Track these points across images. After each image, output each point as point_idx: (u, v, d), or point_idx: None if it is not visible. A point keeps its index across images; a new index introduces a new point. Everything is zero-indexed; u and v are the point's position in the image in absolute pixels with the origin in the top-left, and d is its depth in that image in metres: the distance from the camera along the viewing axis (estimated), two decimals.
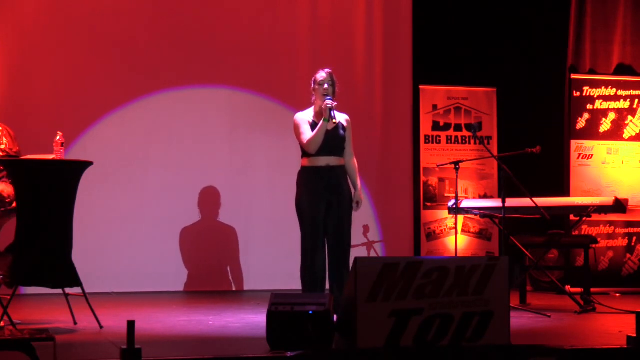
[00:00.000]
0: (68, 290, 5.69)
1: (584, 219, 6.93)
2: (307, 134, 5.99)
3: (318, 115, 6.05)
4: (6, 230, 5.93)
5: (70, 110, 7.89)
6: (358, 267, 4.55)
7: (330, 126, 5.94)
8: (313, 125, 6.02)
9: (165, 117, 8.19)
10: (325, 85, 6.02)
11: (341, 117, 6.08)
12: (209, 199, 8.22)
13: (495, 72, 8.91)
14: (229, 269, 8.32)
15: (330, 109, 5.92)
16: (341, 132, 6.06)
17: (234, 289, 8.26)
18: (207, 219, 8.25)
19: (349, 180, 6.12)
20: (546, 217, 6.60)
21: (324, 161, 6.00)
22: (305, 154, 6.06)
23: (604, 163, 8.43)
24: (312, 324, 4.55)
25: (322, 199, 5.96)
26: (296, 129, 6.07)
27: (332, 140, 6.00)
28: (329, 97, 5.97)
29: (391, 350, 4.52)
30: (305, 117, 6.09)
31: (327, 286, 6.08)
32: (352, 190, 6.09)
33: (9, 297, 5.35)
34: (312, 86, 6.10)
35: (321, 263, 5.97)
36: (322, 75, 6.07)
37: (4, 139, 6.03)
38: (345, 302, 4.89)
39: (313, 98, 6.13)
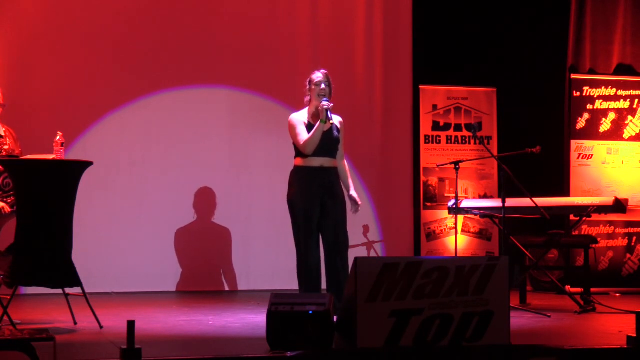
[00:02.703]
0: (68, 290, 5.69)
1: (584, 219, 6.92)
2: (303, 135, 6.00)
3: (314, 116, 6.06)
4: (6, 230, 5.93)
5: (70, 110, 7.89)
6: (358, 267, 4.55)
7: (326, 127, 5.95)
8: (308, 126, 6.03)
9: (165, 117, 8.19)
10: (322, 86, 6.03)
11: (335, 119, 6.09)
12: (209, 199, 8.23)
13: (495, 72, 8.91)
14: (229, 269, 8.32)
15: (327, 110, 5.93)
16: (335, 133, 6.08)
17: (234, 288, 8.26)
18: (207, 219, 8.25)
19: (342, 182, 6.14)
20: (546, 217, 6.60)
21: (318, 162, 6.02)
22: (299, 154, 6.07)
23: (604, 163, 8.43)
24: (312, 324, 4.55)
25: (316, 197, 5.98)
26: (292, 129, 6.08)
27: (327, 142, 6.01)
28: (325, 99, 5.98)
29: (391, 350, 4.52)
30: (300, 117, 6.10)
31: (324, 286, 6.10)
32: (345, 192, 6.12)
33: (9, 297, 5.35)
34: (308, 87, 6.11)
35: (316, 262, 5.99)
36: (318, 75, 6.08)
37: (7, 139, 6.04)
38: (345, 302, 4.89)
39: (307, 98, 6.13)
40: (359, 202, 6.21)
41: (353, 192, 6.20)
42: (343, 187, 6.16)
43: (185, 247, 8.18)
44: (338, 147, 6.12)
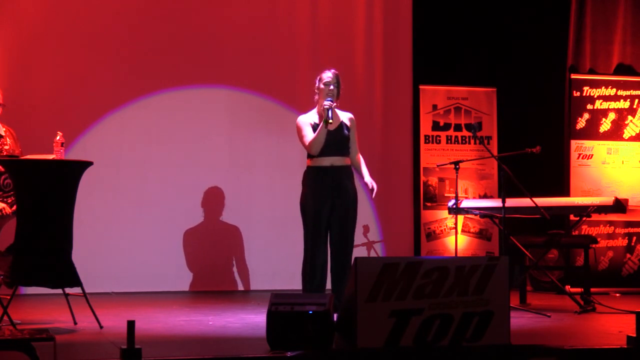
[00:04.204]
0: (68, 290, 5.69)
1: (584, 219, 6.93)
2: (309, 136, 6.01)
3: (321, 117, 6.06)
4: (6, 230, 5.93)
5: (70, 110, 7.89)
6: (358, 267, 4.55)
7: (331, 127, 5.95)
8: (315, 127, 6.03)
9: (165, 117, 8.19)
10: (331, 87, 6.03)
11: (345, 116, 6.10)
12: (209, 199, 8.22)
13: (495, 72, 8.91)
14: (229, 269, 8.32)
15: (328, 110, 5.92)
16: (345, 131, 6.08)
17: (234, 289, 8.25)
18: (207, 219, 8.25)
19: (354, 179, 6.14)
20: (546, 217, 6.60)
21: (328, 161, 6.02)
22: (310, 154, 6.07)
23: (604, 163, 8.43)
24: (312, 324, 4.55)
25: (326, 198, 5.98)
26: (298, 131, 6.10)
27: (336, 140, 6.02)
28: (329, 99, 5.98)
29: (391, 350, 4.52)
30: (307, 119, 6.11)
31: (328, 286, 6.10)
32: (356, 188, 6.13)
33: (9, 297, 5.35)
34: (317, 85, 6.11)
35: (322, 262, 6.00)
36: (328, 75, 6.08)
37: (8, 139, 6.04)
38: (345, 302, 4.89)
39: (316, 97, 6.14)
40: (374, 187, 6.13)
41: (367, 179, 6.15)
42: (355, 185, 6.14)
43: (186, 247, 8.18)
44: (348, 144, 6.11)
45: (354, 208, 6.09)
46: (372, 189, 6.14)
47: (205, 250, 8.26)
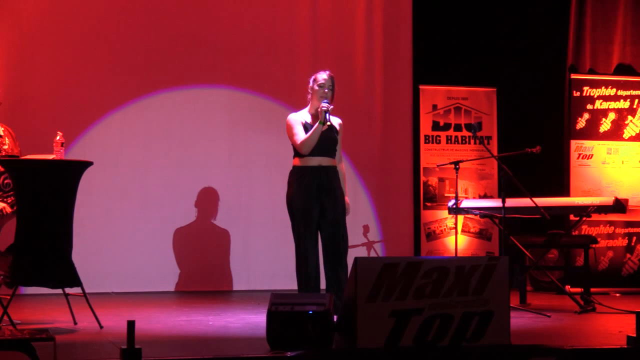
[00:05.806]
0: (68, 290, 5.69)
1: (584, 219, 6.93)
2: (301, 134, 6.00)
3: (314, 117, 6.06)
4: (6, 230, 5.93)
5: (70, 110, 7.89)
6: (358, 267, 4.55)
7: (324, 128, 5.95)
8: (306, 126, 6.03)
9: (165, 117, 8.19)
10: (326, 90, 6.03)
11: (335, 121, 6.08)
12: (210, 199, 8.23)
13: (495, 72, 8.91)
14: (229, 269, 8.32)
15: (326, 112, 5.92)
16: (334, 134, 6.08)
17: (234, 288, 8.26)
18: (208, 219, 8.25)
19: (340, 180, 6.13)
20: (546, 217, 6.60)
21: (316, 161, 6.01)
22: (297, 153, 6.07)
23: (604, 163, 8.43)
24: (312, 324, 4.55)
25: (315, 198, 5.97)
26: (289, 129, 6.08)
27: (326, 141, 6.01)
28: (325, 100, 5.98)
29: (391, 350, 4.52)
30: (298, 118, 6.10)
31: (323, 286, 6.09)
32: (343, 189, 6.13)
33: (9, 297, 5.35)
34: (310, 85, 6.10)
35: (314, 261, 5.98)
36: (323, 77, 6.06)
37: (6, 139, 6.03)
38: (345, 302, 4.89)
39: (309, 97, 6.13)
40: (349, 210, 6.19)
41: (346, 199, 6.18)
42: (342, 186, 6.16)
43: (186, 247, 8.18)
44: (336, 147, 6.11)
45: (344, 207, 6.08)
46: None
47: (204, 250, 8.26)
